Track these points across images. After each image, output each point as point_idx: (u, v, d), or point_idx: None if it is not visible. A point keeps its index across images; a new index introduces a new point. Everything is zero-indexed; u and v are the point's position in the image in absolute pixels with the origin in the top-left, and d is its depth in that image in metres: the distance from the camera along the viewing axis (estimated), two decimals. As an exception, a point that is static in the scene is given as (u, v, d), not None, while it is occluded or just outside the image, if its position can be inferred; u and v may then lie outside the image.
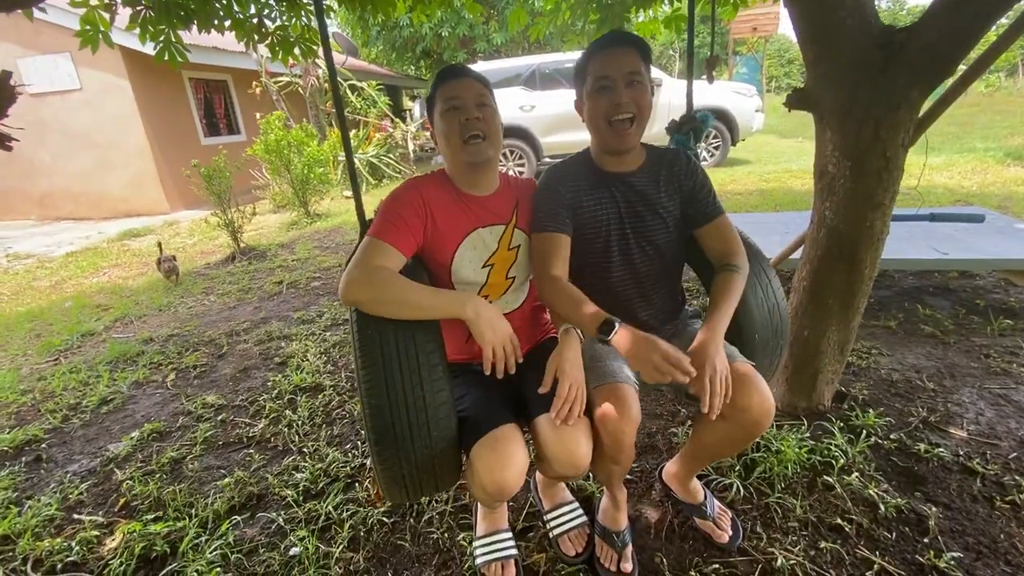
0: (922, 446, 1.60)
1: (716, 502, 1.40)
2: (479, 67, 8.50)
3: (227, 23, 2.19)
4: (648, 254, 1.28)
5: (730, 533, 1.33)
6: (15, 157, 7.90)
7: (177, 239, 6.17)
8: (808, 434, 1.67)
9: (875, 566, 1.24)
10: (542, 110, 7.49)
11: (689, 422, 1.83)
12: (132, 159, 7.72)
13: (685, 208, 1.28)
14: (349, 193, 8.11)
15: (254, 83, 8.15)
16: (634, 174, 1.25)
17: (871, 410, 1.76)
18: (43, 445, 2.10)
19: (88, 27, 2.00)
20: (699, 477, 1.47)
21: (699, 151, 1.46)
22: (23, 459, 2.01)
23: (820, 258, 1.57)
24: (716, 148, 7.59)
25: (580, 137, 7.60)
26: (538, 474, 1.51)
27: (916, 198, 4.74)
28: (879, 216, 1.43)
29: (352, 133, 8.65)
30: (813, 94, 1.40)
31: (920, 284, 2.90)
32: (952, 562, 1.23)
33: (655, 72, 7.53)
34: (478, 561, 1.31)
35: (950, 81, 1.30)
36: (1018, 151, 6.45)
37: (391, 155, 8.92)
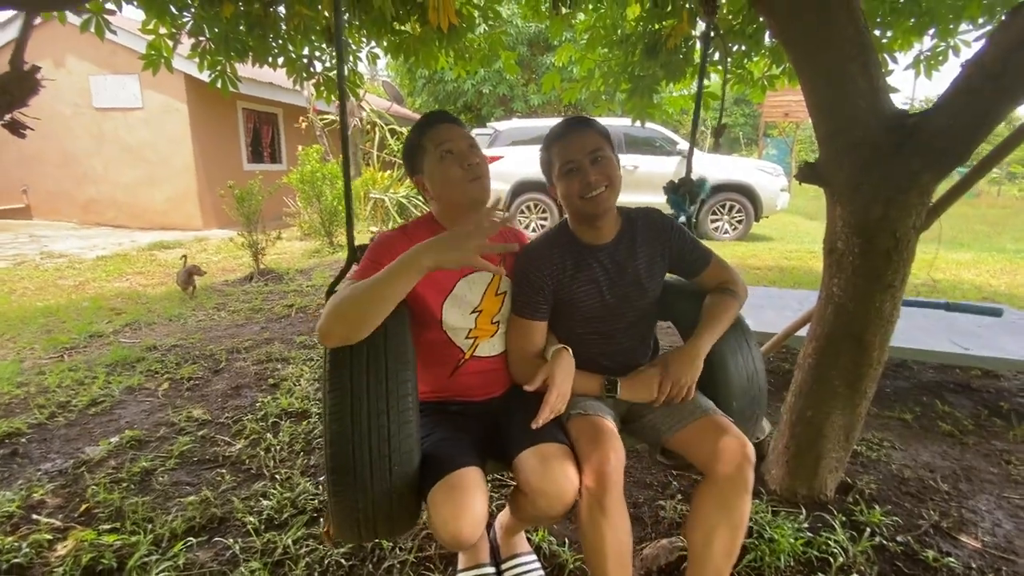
0: (931, 553, 1.46)
1: None
2: (516, 124, 8.86)
3: (280, 60, 2.36)
4: (624, 319, 1.30)
5: None
6: (71, 163, 8.42)
7: (203, 254, 6.35)
8: (806, 525, 1.54)
9: None
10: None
11: (679, 496, 1.72)
12: (177, 176, 8.12)
13: (675, 266, 1.33)
14: (375, 228, 8.32)
15: (300, 118, 8.62)
16: (612, 244, 1.26)
17: (877, 506, 1.63)
18: (23, 439, 2.09)
19: (153, 52, 2.16)
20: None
21: (705, 218, 1.46)
22: (0, 451, 1.99)
23: (826, 336, 1.51)
24: (739, 222, 7.62)
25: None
26: (501, 516, 1.44)
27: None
28: (888, 297, 1.38)
29: (388, 173, 8.99)
30: (824, 170, 1.40)
31: (940, 379, 2.77)
32: None
33: (685, 144, 7.74)
34: None
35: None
36: (1051, 256, 6.31)
37: (420, 198, 9.20)
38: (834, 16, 1.24)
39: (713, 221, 7.66)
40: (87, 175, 8.45)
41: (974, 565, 1.44)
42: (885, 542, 1.51)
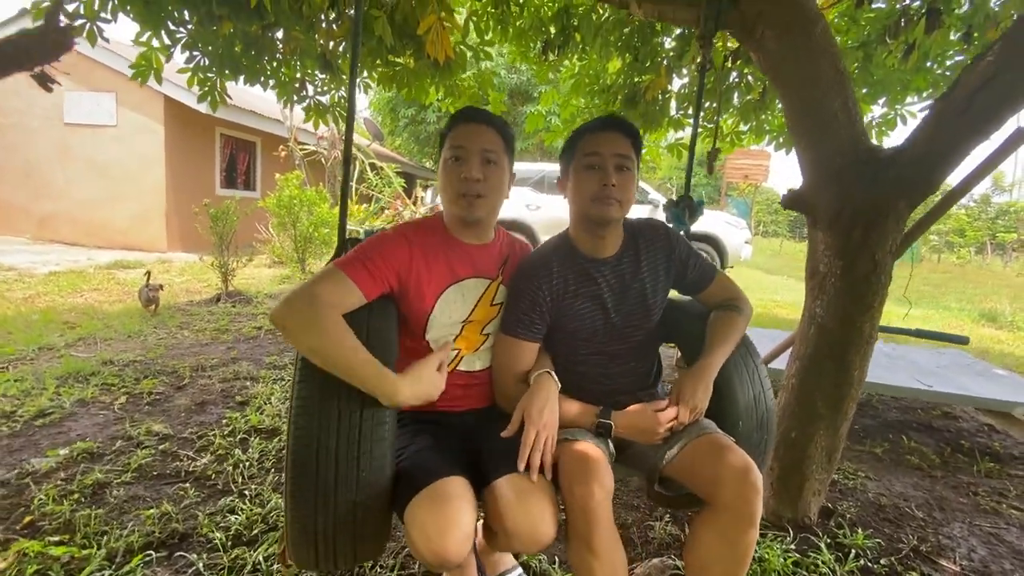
0: (914, 575, 1.48)
1: None
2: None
3: (271, 82, 2.39)
4: (631, 340, 1.23)
5: None
6: (31, 176, 8.08)
7: (166, 275, 6.10)
8: (793, 546, 1.54)
9: None
10: (546, 212, 7.92)
11: (667, 516, 1.70)
12: (144, 196, 7.89)
13: (679, 281, 1.27)
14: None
15: (281, 147, 8.62)
16: (615, 258, 1.20)
17: (859, 530, 1.65)
18: (-42, 449, 1.90)
19: (143, 63, 2.16)
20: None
21: (689, 228, 1.51)
22: (-69, 461, 1.81)
23: (810, 356, 1.57)
24: (707, 270, 7.93)
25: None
26: (480, 536, 1.32)
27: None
28: (868, 319, 1.45)
29: (365, 207, 9.00)
30: (807, 197, 1.50)
31: (904, 418, 2.88)
32: None
33: (655, 195, 8.10)
34: None
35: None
36: (991, 314, 6.78)
37: (396, 231, 9.20)
38: (817, 58, 1.37)
39: (682, 268, 7.95)
40: (46, 189, 8.11)
41: (954, 587, 1.46)
42: (869, 564, 1.52)
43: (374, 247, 1.07)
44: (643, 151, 2.08)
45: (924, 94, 2.41)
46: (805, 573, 1.43)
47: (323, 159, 9.22)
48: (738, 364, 1.20)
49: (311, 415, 0.90)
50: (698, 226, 7.63)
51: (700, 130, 2.55)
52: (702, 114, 2.51)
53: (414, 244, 1.10)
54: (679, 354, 1.76)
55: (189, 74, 2.20)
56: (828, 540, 1.59)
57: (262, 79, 2.34)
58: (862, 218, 1.38)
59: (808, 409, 1.59)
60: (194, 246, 7.62)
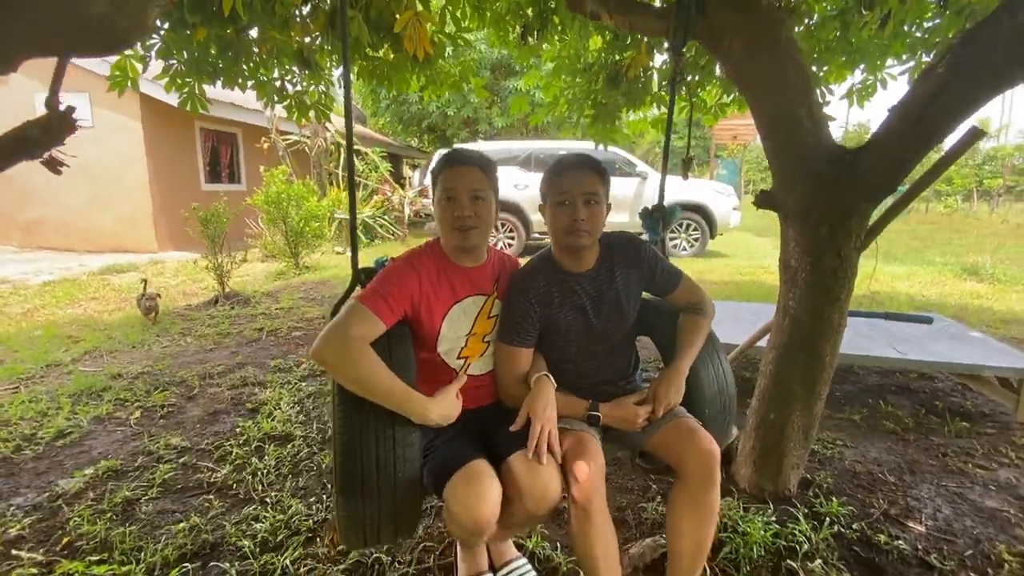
0: (883, 537, 1.63)
1: None
2: (481, 146, 9.07)
3: (250, 83, 2.40)
4: (609, 340, 1.41)
5: None
6: (13, 182, 7.97)
7: (161, 278, 6.14)
8: (774, 518, 1.69)
9: (836, 656, 1.24)
10: (534, 190, 7.87)
11: (659, 498, 1.84)
12: (129, 195, 7.83)
13: (649, 286, 1.44)
14: (340, 248, 8.26)
15: (263, 139, 8.51)
16: (593, 271, 1.36)
17: (834, 499, 1.80)
18: (-11, 475, 2.00)
19: (118, 73, 2.17)
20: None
21: (667, 239, 1.62)
22: (-36, 488, 1.91)
23: (784, 345, 1.68)
24: (696, 240, 8.02)
25: (569, 217, 7.99)
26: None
27: (879, 302, 5.03)
28: (836, 310, 1.56)
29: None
30: (778, 197, 1.58)
31: (883, 382, 3.03)
32: (911, 657, 1.23)
33: (643, 167, 8.11)
34: None
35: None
36: (973, 267, 6.93)
37: (386, 217, 9.20)
38: (783, 66, 1.43)
39: (672, 239, 8.03)
40: (28, 195, 8.01)
41: (920, 546, 1.62)
42: (843, 529, 1.67)
43: (389, 280, 1.24)
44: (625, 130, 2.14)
45: (904, 57, 2.43)
46: (784, 543, 1.58)
47: (307, 148, 9.12)
48: (705, 362, 1.40)
49: (352, 432, 1.09)
50: (687, 196, 7.75)
51: (685, 104, 2.60)
52: (686, 89, 2.56)
53: (421, 272, 1.27)
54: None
55: (166, 81, 2.21)
56: (805, 510, 1.73)
57: (240, 81, 2.35)
58: (828, 218, 1.47)
59: (784, 393, 1.71)
60: (185, 244, 7.62)
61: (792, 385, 1.69)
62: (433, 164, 1.35)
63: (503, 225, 7.97)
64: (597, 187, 1.28)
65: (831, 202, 1.45)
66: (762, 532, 1.59)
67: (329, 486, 1.92)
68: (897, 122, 1.29)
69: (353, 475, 1.07)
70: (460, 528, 1.09)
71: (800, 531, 1.62)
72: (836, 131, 1.48)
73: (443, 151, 1.32)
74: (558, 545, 1.59)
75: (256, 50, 2.28)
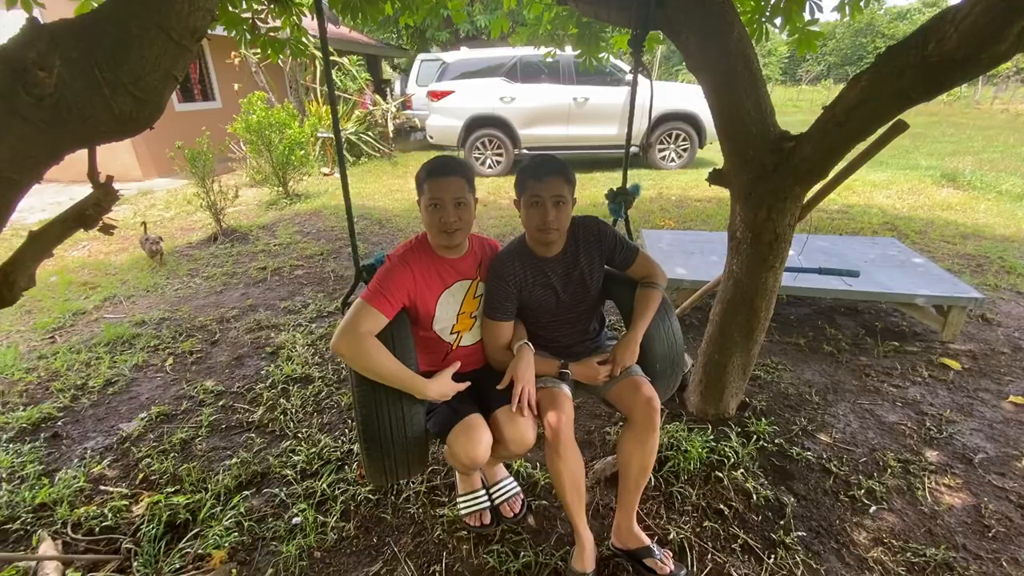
0: (796, 450, 2.05)
1: (660, 548, 1.60)
2: (465, 54, 8.61)
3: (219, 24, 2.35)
4: (576, 310, 1.68)
5: (671, 568, 1.53)
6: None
7: (154, 210, 6.23)
8: (712, 437, 2.09)
9: (740, 540, 1.68)
10: (522, 102, 7.70)
11: (620, 423, 2.24)
12: (104, 123, 7.58)
13: (609, 263, 1.69)
14: (327, 170, 8.19)
15: (233, 54, 8.04)
16: (561, 255, 1.61)
17: (764, 419, 2.20)
18: (58, 423, 2.37)
19: None
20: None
21: (627, 217, 1.84)
22: (42, 435, 2.28)
23: (728, 301, 1.97)
24: (684, 150, 7.98)
25: (557, 132, 7.87)
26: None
27: (850, 217, 5.26)
28: (772, 275, 1.82)
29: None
30: (728, 176, 1.77)
31: (835, 304, 3.38)
32: (796, 540, 1.68)
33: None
34: (461, 512, 1.73)
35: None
36: (953, 173, 7.07)
37: (370, 133, 8.99)
38: (733, 62, 1.55)
39: (660, 150, 7.98)
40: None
41: (824, 455, 2.04)
42: (766, 444, 2.08)
43: (387, 279, 1.46)
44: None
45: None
46: (717, 457, 1.99)
47: (280, 61, 8.64)
48: (658, 326, 1.66)
49: (369, 404, 1.40)
50: (677, 103, 7.58)
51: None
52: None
53: (414, 268, 1.51)
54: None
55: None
56: (739, 430, 2.14)
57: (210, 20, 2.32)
58: (767, 199, 1.68)
59: (727, 339, 2.03)
60: (169, 170, 7.57)
61: (733, 333, 2.01)
62: (419, 171, 1.48)
63: (491, 141, 7.86)
64: (563, 190, 1.48)
65: (770, 186, 1.65)
66: (700, 450, 2.00)
67: (350, 421, 2.30)
68: (827, 120, 1.45)
69: (372, 437, 1.40)
70: (459, 463, 1.45)
71: (730, 447, 2.03)
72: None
73: (427, 164, 1.46)
74: (538, 464, 2.00)
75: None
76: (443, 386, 1.48)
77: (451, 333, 1.60)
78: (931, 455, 2.05)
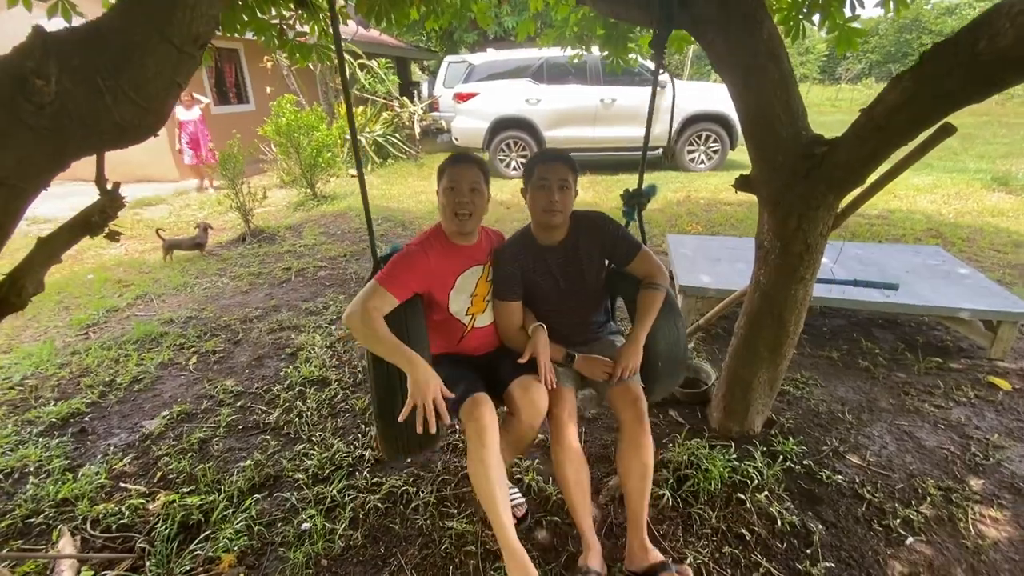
0: (825, 472, 1.93)
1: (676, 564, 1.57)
2: (491, 55, 8.60)
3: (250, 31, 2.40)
4: (576, 298, 1.73)
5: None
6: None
7: (188, 211, 6.42)
8: (735, 455, 1.99)
9: (762, 569, 1.58)
10: (547, 104, 7.64)
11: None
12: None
13: (609, 257, 1.72)
14: (355, 172, 8.30)
15: (265, 58, 8.24)
16: (561, 245, 1.68)
17: (792, 438, 2.08)
18: (85, 418, 2.43)
19: None
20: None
21: (639, 219, 1.84)
22: (70, 430, 2.34)
23: (754, 313, 1.87)
24: (715, 152, 7.77)
25: (583, 133, 7.78)
26: None
27: (891, 223, 5.01)
28: (801, 288, 1.72)
29: (360, 110, 8.78)
30: (755, 182, 1.67)
31: (872, 316, 3.21)
32: (823, 571, 1.57)
33: (664, 76, 7.64)
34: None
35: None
36: (1005, 176, 6.67)
37: (397, 135, 9.08)
38: (763, 62, 1.46)
39: (689, 152, 7.80)
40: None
41: (857, 480, 1.92)
42: (793, 465, 1.97)
43: (401, 263, 1.54)
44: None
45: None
46: (739, 478, 1.89)
47: (311, 64, 8.81)
48: (662, 326, 1.66)
49: (382, 382, 1.46)
50: (707, 104, 7.48)
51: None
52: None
53: (430, 254, 1.58)
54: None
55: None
56: (764, 449, 2.03)
57: (238, 27, 2.38)
58: (797, 207, 1.58)
59: (752, 354, 1.93)
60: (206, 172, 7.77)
61: (759, 347, 1.91)
62: (440, 164, 1.60)
63: (515, 143, 7.82)
64: (568, 176, 1.59)
65: (801, 194, 1.55)
66: (721, 469, 1.91)
67: (363, 426, 2.29)
68: (865, 124, 1.35)
69: (386, 410, 1.44)
70: (470, 430, 1.46)
71: (754, 467, 1.92)
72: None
73: (448, 157, 1.57)
74: (550, 479, 1.94)
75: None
76: (429, 378, 1.39)
77: (466, 315, 1.67)
78: (976, 483, 1.90)
